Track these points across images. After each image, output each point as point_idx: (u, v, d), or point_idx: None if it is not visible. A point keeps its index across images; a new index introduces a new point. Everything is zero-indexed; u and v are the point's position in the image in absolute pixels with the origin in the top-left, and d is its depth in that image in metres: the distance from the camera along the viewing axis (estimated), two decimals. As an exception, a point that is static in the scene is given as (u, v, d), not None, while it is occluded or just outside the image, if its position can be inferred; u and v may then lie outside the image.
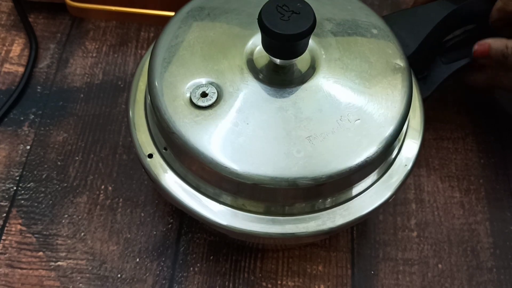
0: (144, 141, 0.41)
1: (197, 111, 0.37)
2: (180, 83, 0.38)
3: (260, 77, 0.38)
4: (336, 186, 0.38)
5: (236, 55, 0.39)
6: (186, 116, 0.37)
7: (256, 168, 0.36)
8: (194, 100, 0.37)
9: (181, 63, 0.39)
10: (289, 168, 0.36)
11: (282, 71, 0.38)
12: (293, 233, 0.38)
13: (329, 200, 0.39)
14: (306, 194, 0.38)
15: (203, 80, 0.38)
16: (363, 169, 0.37)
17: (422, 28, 0.47)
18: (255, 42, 0.39)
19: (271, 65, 0.38)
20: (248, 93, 0.38)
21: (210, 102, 0.37)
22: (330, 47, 0.40)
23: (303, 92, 0.38)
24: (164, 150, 0.40)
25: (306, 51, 0.38)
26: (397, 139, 0.40)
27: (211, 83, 0.38)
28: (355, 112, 0.37)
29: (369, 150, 0.37)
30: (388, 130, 0.37)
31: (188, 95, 0.37)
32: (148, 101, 0.41)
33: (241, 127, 0.36)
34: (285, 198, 0.38)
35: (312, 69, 0.39)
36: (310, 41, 0.38)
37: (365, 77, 0.39)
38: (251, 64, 0.39)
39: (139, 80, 0.43)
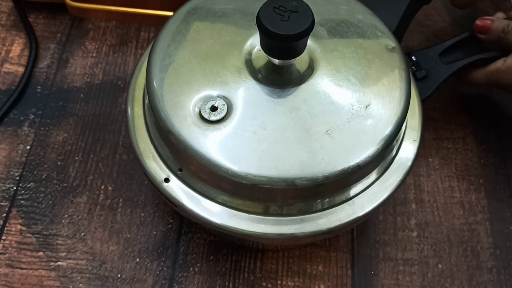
0: (156, 166, 0.40)
1: (211, 127, 0.36)
2: (187, 102, 0.37)
3: (263, 80, 0.38)
4: (339, 184, 0.38)
5: (235, 63, 0.39)
6: (201, 134, 0.36)
7: (286, 171, 0.35)
8: (206, 116, 0.36)
9: (181, 81, 0.38)
10: (316, 165, 0.36)
11: (284, 70, 0.38)
12: (293, 234, 0.38)
13: (327, 200, 0.39)
14: (318, 191, 0.38)
15: (208, 95, 0.37)
16: (379, 154, 0.37)
17: (399, 5, 0.48)
18: (251, 45, 0.39)
19: (272, 67, 0.38)
20: (256, 98, 0.37)
21: (222, 115, 0.36)
22: (323, 40, 0.40)
23: (310, 88, 0.38)
24: (179, 172, 0.39)
25: None
26: (397, 137, 0.40)
27: (218, 96, 0.37)
28: (364, 98, 0.38)
29: (388, 127, 0.37)
30: (398, 107, 0.38)
31: (197, 111, 0.37)
32: (153, 122, 0.40)
33: (260, 134, 0.36)
34: (307, 196, 0.38)
35: (312, 64, 0.39)
36: None
37: (363, 62, 0.39)
38: (252, 69, 0.38)
39: (133, 104, 0.42)
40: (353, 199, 0.39)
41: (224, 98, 0.37)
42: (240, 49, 0.39)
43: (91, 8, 0.60)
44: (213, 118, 0.36)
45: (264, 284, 0.47)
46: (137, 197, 0.50)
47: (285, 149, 0.36)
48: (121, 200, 0.50)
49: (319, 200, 0.38)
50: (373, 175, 0.40)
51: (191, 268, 0.47)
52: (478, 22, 0.50)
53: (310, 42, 0.39)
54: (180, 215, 0.49)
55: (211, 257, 0.48)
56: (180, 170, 0.39)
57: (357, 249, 0.48)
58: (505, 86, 0.49)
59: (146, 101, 0.41)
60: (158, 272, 0.47)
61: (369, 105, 0.38)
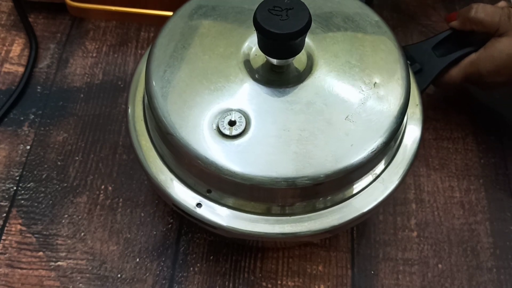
0: (183, 194, 0.39)
1: (235, 142, 0.36)
2: (202, 124, 0.36)
3: (269, 82, 0.38)
4: (370, 165, 0.38)
5: (237, 72, 0.38)
6: (229, 151, 0.36)
7: (321, 166, 0.35)
8: (227, 132, 0.36)
9: (190, 105, 0.37)
10: (347, 152, 0.36)
11: (285, 68, 0.38)
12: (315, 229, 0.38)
13: (359, 183, 0.39)
14: (353, 177, 0.38)
15: (222, 111, 0.37)
16: (399, 126, 0.38)
17: None
18: (246, 51, 0.39)
19: (274, 67, 0.38)
20: (269, 102, 0.37)
21: (242, 127, 0.36)
22: (312, 29, 0.39)
23: (317, 79, 0.38)
24: (208, 193, 0.39)
25: None
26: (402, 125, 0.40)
27: (232, 110, 0.37)
28: (370, 77, 0.38)
29: (400, 98, 0.38)
30: (401, 77, 0.39)
31: (216, 130, 0.36)
32: (171, 152, 0.39)
33: (285, 136, 0.36)
34: (344, 184, 0.38)
35: (310, 56, 0.39)
36: None
37: (356, 42, 0.40)
38: (254, 74, 0.38)
39: (139, 139, 0.41)
40: (381, 176, 0.40)
41: (239, 110, 0.37)
42: (237, 57, 0.39)
43: (91, 8, 0.60)
44: (234, 132, 0.36)
45: (264, 284, 0.47)
46: (137, 197, 0.50)
47: (314, 145, 0.36)
48: (121, 200, 0.50)
49: (352, 185, 0.39)
50: (393, 148, 0.40)
51: (191, 268, 0.47)
52: (447, 14, 0.51)
53: None
54: (180, 215, 0.49)
55: (211, 257, 0.48)
56: (209, 191, 0.39)
57: (357, 249, 0.48)
58: (482, 75, 0.49)
59: (157, 132, 0.40)
60: (158, 272, 0.47)
61: (376, 82, 0.38)
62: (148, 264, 0.47)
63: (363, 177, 0.39)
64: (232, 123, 0.36)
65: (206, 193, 0.39)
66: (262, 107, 0.37)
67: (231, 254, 0.48)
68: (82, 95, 0.56)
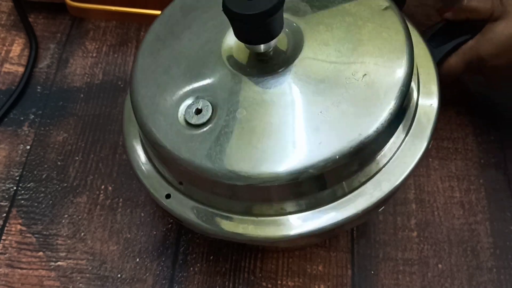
0: (156, 184, 0.38)
1: (198, 131, 0.34)
2: (171, 110, 0.35)
3: (247, 72, 0.36)
4: (350, 165, 0.35)
5: (216, 60, 0.37)
6: (189, 141, 0.34)
7: (279, 165, 0.33)
8: (191, 121, 0.35)
9: (163, 89, 0.36)
10: (315, 150, 0.33)
11: (267, 57, 0.36)
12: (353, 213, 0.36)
13: (341, 186, 0.36)
14: (329, 176, 0.35)
15: (191, 99, 0.36)
16: (391, 122, 0.34)
17: None
18: (230, 40, 0.38)
19: (255, 56, 0.36)
20: (241, 92, 0.36)
21: (207, 117, 0.35)
22: (307, 15, 0.38)
23: (298, 69, 0.36)
24: (180, 185, 0.37)
25: (284, 26, 0.35)
26: (404, 103, 0.36)
27: (200, 98, 0.35)
28: (359, 68, 0.35)
29: (390, 102, 0.34)
30: (399, 68, 0.35)
31: (183, 118, 0.35)
32: (144, 140, 0.39)
33: (248, 129, 0.34)
34: (320, 184, 0.35)
35: (298, 44, 0.37)
36: (285, 16, 0.35)
37: (353, 30, 0.37)
38: (235, 63, 0.37)
39: (130, 125, 0.41)
40: (366, 183, 0.36)
41: (208, 98, 0.35)
42: (218, 46, 0.38)
43: (91, 8, 0.60)
44: (198, 121, 0.35)
45: (264, 284, 0.47)
46: (137, 197, 0.50)
47: (277, 140, 0.34)
48: (121, 200, 0.50)
49: (326, 189, 0.35)
50: (388, 148, 0.36)
51: (191, 268, 0.47)
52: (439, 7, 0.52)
53: (293, 20, 0.37)
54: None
55: (211, 257, 0.48)
56: (181, 183, 0.37)
57: (357, 249, 0.48)
58: (483, 59, 0.49)
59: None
60: (158, 272, 0.47)
61: (365, 74, 0.35)
62: (148, 264, 0.47)
63: (336, 181, 0.35)
64: (198, 112, 0.35)
65: (178, 185, 0.38)
66: (232, 96, 0.35)
67: (231, 254, 0.48)
68: (82, 95, 0.56)
